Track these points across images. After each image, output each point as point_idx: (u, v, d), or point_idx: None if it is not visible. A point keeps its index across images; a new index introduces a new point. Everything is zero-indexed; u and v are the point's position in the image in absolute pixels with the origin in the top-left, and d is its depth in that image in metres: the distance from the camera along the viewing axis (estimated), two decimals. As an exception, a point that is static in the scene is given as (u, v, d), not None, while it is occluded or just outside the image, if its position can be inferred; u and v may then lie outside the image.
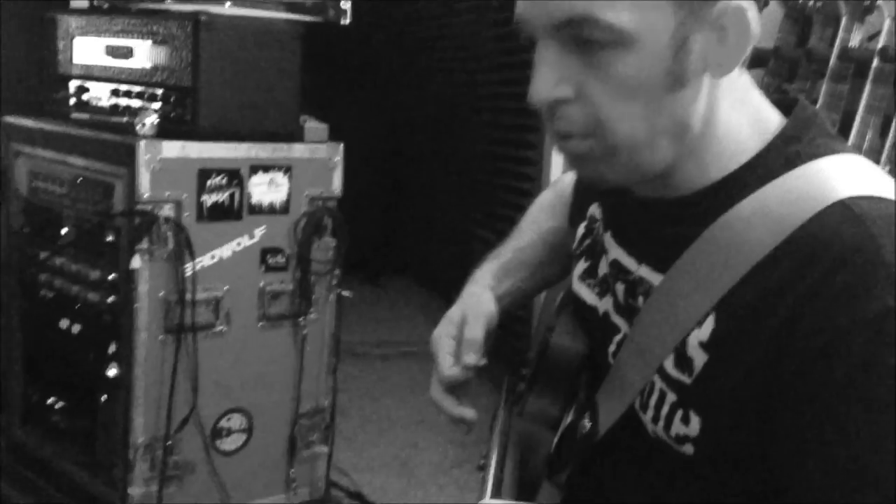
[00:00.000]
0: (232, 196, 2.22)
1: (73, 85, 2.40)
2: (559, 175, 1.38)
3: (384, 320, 4.52)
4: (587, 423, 0.98)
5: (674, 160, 0.89)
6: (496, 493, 0.97)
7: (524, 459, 1.08)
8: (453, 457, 3.19)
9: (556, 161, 3.44)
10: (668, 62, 0.84)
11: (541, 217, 1.32)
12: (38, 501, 2.41)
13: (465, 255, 4.41)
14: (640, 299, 0.95)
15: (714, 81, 0.88)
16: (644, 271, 0.96)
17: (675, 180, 0.92)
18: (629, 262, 0.99)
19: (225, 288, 2.24)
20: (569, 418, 1.05)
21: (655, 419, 0.91)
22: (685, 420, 0.88)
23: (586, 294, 1.07)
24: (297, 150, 2.33)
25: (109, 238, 2.15)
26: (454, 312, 1.17)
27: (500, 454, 1.06)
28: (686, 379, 0.88)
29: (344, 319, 2.51)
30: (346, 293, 2.49)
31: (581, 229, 1.13)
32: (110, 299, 2.18)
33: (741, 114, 0.91)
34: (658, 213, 0.95)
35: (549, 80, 0.86)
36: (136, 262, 2.09)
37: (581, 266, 1.10)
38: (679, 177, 0.91)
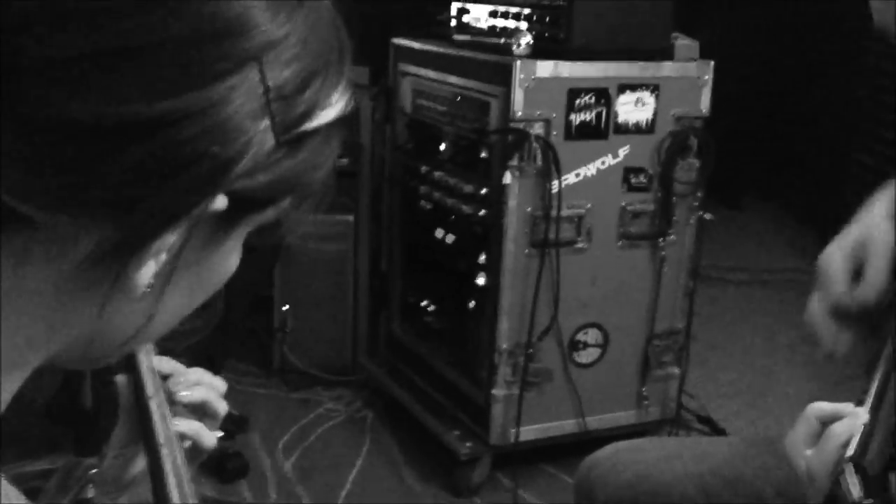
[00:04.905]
0: (599, 115, 2.24)
1: (454, 7, 2.53)
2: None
3: (743, 245, 4.37)
4: None
5: None
6: (872, 423, 0.92)
7: None
8: (812, 391, 3.04)
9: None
10: None
11: None
12: (410, 391, 2.65)
13: (840, 183, 4.12)
14: None
15: None
16: None
17: None
18: None
19: (588, 205, 2.29)
20: None
21: None
22: None
23: None
24: (666, 69, 2.30)
25: (483, 154, 2.28)
26: (854, 233, 1.12)
27: (883, 382, 1.00)
28: None
29: (703, 242, 2.46)
30: (707, 216, 2.44)
31: None
32: (482, 212, 2.31)
33: None
34: None
35: None
36: (507, 177, 2.20)
37: None
38: None
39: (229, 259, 0.53)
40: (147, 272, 0.47)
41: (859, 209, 1.19)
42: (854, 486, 0.76)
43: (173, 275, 0.49)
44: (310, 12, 0.49)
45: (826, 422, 0.91)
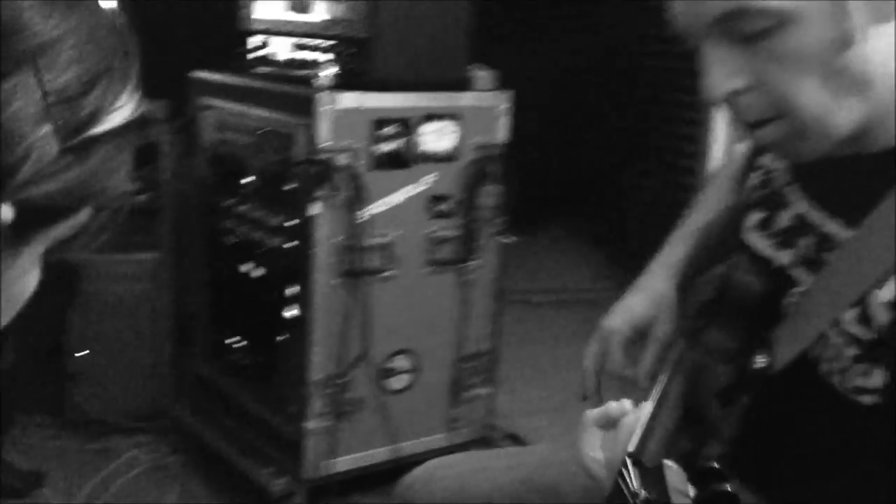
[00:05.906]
0: (403, 144, 2.29)
1: (255, 40, 2.51)
2: (723, 123, 1.39)
3: (540, 268, 4.55)
4: (762, 361, 0.99)
5: (867, 117, 0.88)
6: (653, 420, 1.00)
7: (693, 390, 1.10)
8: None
9: (722, 112, 3.36)
10: (834, 23, 0.83)
11: (723, 191, 1.31)
12: (219, 432, 2.58)
13: (625, 207, 4.38)
14: (827, 254, 0.95)
15: (885, 30, 0.86)
16: (833, 227, 0.96)
17: (871, 137, 0.91)
18: (817, 216, 0.98)
19: (395, 234, 2.33)
20: (745, 354, 1.07)
21: (830, 371, 0.92)
22: (866, 374, 0.89)
23: (761, 245, 1.07)
24: (466, 99, 2.37)
25: (290, 186, 2.26)
26: (636, 305, 1.21)
27: (668, 383, 1.08)
28: (868, 335, 0.88)
29: (505, 266, 2.55)
30: (509, 240, 2.53)
31: (754, 179, 1.12)
32: (290, 244, 2.30)
33: None
34: (855, 169, 0.94)
35: (720, 76, 0.87)
36: (314, 208, 2.20)
37: (755, 217, 1.09)
38: (876, 132, 0.90)
39: (24, 278, 0.49)
40: None
41: (644, 263, 1.28)
42: (633, 478, 0.81)
43: None
44: (86, 15, 0.47)
45: (605, 424, 0.98)
